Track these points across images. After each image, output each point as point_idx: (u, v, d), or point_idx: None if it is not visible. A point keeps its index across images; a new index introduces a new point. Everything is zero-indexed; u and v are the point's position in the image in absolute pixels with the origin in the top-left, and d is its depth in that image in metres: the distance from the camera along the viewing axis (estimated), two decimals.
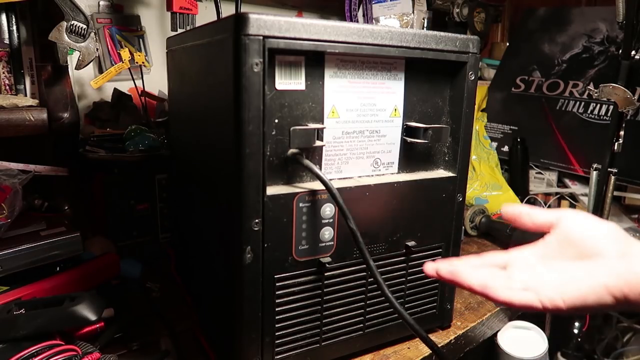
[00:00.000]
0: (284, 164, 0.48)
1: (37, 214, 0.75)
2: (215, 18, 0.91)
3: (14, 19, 0.75)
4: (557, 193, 1.11)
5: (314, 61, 0.47)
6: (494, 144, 1.20)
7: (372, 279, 0.55)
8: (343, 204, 0.47)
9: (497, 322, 0.72)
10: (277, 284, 0.49)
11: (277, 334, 0.50)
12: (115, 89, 0.92)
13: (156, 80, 0.97)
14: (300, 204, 0.48)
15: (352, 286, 0.54)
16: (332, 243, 0.51)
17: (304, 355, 0.52)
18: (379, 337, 0.58)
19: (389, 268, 0.56)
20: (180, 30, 0.85)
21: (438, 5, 1.21)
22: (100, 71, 0.92)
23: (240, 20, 0.42)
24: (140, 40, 0.97)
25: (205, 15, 1.00)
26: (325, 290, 0.52)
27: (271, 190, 0.47)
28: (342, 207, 0.47)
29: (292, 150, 0.48)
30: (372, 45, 0.48)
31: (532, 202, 1.12)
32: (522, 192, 1.11)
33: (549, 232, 0.43)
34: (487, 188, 1.09)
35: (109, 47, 0.92)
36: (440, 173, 0.58)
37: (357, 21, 1.09)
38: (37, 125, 0.73)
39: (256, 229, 0.46)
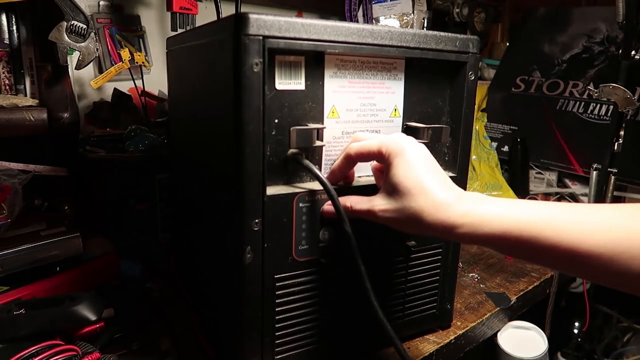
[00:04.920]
0: (284, 164, 0.48)
1: (37, 214, 0.75)
2: (215, 18, 0.91)
3: (14, 19, 0.75)
4: (557, 193, 1.11)
5: (314, 61, 0.47)
6: (494, 144, 1.20)
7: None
8: (340, 206, 0.47)
9: (497, 322, 0.72)
10: (277, 284, 0.49)
11: (277, 334, 0.50)
12: (115, 89, 0.92)
13: (156, 80, 0.97)
14: (300, 204, 0.48)
15: (352, 286, 0.53)
16: (332, 243, 0.51)
17: (304, 355, 0.52)
18: (378, 337, 0.58)
19: (389, 268, 0.56)
20: (180, 30, 0.85)
21: (438, 5, 1.21)
22: (100, 71, 0.92)
23: (240, 20, 0.42)
24: (140, 40, 0.97)
25: (205, 15, 1.00)
26: (325, 290, 0.52)
27: (271, 190, 0.47)
28: (339, 209, 0.47)
29: (292, 150, 0.48)
30: (372, 45, 0.48)
31: None
32: (522, 192, 1.11)
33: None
34: (487, 188, 1.09)
35: (109, 47, 0.92)
36: None
37: (357, 21, 1.09)
38: (37, 125, 0.73)
39: (256, 229, 0.46)
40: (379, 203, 0.45)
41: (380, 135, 0.48)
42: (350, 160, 0.48)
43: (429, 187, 0.42)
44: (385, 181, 0.45)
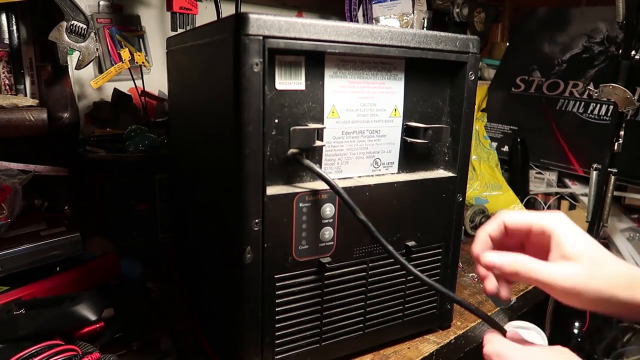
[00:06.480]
0: (284, 164, 0.48)
1: (37, 214, 0.74)
2: (215, 18, 0.91)
3: (14, 19, 0.75)
4: (557, 193, 1.11)
5: (314, 61, 0.47)
6: (494, 144, 1.20)
7: (372, 279, 0.55)
8: (348, 198, 0.47)
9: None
10: (277, 284, 0.49)
11: (277, 334, 0.50)
12: (115, 89, 0.92)
13: (156, 80, 0.97)
14: (300, 204, 0.48)
15: (352, 286, 0.54)
16: (332, 243, 0.51)
17: (304, 355, 0.52)
18: (379, 337, 0.58)
19: (389, 268, 0.56)
20: (180, 30, 0.85)
21: (438, 5, 1.21)
22: (100, 71, 0.92)
23: (240, 20, 0.42)
24: (140, 40, 0.97)
25: (205, 15, 1.00)
26: (325, 290, 0.52)
27: (271, 190, 0.47)
28: (348, 202, 0.47)
29: (292, 150, 0.48)
30: (372, 45, 0.48)
31: (532, 202, 1.12)
32: (522, 192, 1.11)
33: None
34: (487, 188, 1.09)
35: (109, 47, 0.92)
36: (440, 173, 0.58)
37: (357, 21, 1.09)
38: (37, 125, 0.73)
39: (256, 229, 0.46)
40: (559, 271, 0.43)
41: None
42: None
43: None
44: (556, 252, 0.44)
